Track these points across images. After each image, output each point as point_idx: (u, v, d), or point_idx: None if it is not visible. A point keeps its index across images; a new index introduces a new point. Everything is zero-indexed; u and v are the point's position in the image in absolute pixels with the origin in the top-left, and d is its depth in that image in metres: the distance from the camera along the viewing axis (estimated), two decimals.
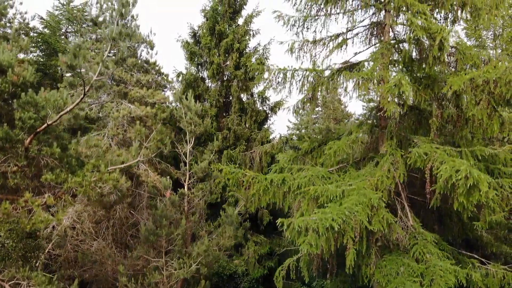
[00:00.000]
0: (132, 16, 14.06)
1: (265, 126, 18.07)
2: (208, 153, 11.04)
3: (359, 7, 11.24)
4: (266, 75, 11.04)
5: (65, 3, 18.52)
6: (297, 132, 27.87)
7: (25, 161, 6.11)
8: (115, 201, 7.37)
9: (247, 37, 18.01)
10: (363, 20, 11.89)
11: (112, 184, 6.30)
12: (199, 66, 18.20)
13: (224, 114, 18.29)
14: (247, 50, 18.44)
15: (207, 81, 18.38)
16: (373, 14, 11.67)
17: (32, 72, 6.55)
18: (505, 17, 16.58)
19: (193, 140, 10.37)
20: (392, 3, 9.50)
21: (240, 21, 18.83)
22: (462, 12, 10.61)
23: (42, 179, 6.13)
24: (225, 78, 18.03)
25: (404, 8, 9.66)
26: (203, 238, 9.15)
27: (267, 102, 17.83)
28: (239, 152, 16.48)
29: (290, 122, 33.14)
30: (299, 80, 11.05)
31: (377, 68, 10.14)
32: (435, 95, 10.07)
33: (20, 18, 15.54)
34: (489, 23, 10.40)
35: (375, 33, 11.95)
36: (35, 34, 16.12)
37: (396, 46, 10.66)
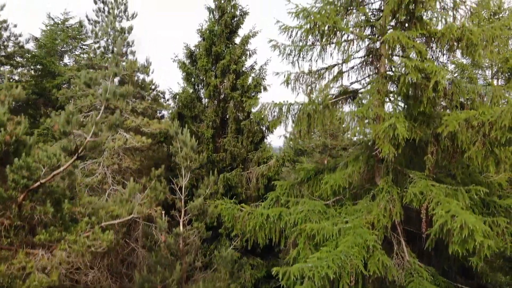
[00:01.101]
0: (128, 43, 14.11)
1: (262, 146, 18.03)
2: (204, 188, 11.01)
3: (355, 39, 11.24)
4: (262, 107, 11.01)
5: (60, 21, 18.45)
6: (293, 144, 27.86)
7: (19, 220, 6.07)
8: (108, 250, 7.34)
9: (243, 58, 17.99)
10: (359, 50, 11.89)
11: (106, 245, 6.26)
12: (196, 86, 18.15)
13: (220, 133, 18.24)
14: (244, 68, 18.40)
15: (203, 100, 18.34)
16: (368, 44, 11.68)
17: (25, 127, 6.49)
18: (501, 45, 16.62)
19: (188, 175, 10.36)
20: (386, 44, 9.49)
21: (237, 40, 18.82)
22: (457, 46, 10.63)
23: (36, 239, 6.09)
24: (221, 97, 18.00)
25: (399, 46, 9.65)
26: (198, 283, 9.13)
27: (263, 122, 17.78)
28: (235, 174, 16.46)
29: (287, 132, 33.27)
30: (295, 114, 11.05)
31: (372, 105, 10.14)
32: (431, 131, 10.09)
33: (14, 41, 15.47)
34: (485, 58, 10.39)
35: (370, 62, 11.98)
36: (29, 55, 16.02)
37: (392, 77, 10.65)
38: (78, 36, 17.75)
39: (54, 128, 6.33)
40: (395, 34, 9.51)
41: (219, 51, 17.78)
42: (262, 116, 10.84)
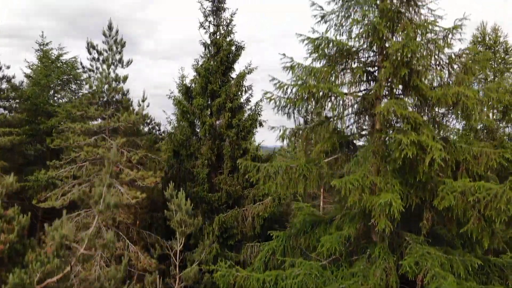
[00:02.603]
0: (124, 92, 13.98)
1: (257, 184, 17.95)
2: (199, 253, 10.94)
3: (350, 98, 11.22)
4: (258, 170, 10.95)
5: (55, 56, 18.32)
6: None
7: None
8: None
9: (239, 94, 17.94)
10: (355, 104, 11.85)
11: None
12: (191, 124, 18.08)
13: (216, 170, 18.17)
14: (240, 103, 18.34)
15: (199, 136, 18.26)
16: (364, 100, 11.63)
17: (19, 233, 6.40)
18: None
19: (183, 239, 10.30)
20: (381, 115, 9.45)
21: (233, 74, 18.79)
22: (453, 108, 10.63)
23: None
24: (217, 134, 17.92)
25: (393, 115, 9.60)
26: None
27: (260, 159, 17.74)
28: (231, 216, 16.41)
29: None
30: (291, 175, 10.99)
31: (368, 171, 10.12)
32: (426, 198, 10.09)
33: (6, 83, 15.34)
34: (481, 123, 10.42)
35: (366, 114, 11.95)
36: (21, 98, 15.87)
37: (388, 144, 10.63)
38: (72, 73, 17.64)
39: (48, 251, 6.25)
40: (390, 104, 9.49)
41: (214, 88, 17.73)
42: (257, 178, 10.76)
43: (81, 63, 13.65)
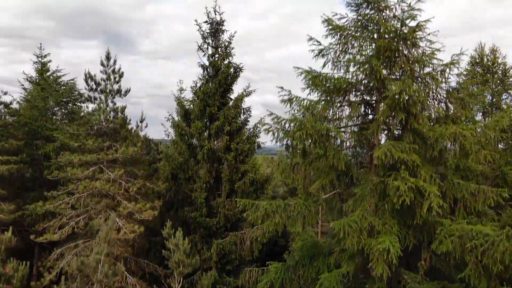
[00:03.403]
0: (123, 120, 13.91)
1: None
2: None
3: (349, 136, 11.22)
4: (256, 208, 10.93)
5: (53, 78, 18.28)
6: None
7: None
8: None
9: (237, 117, 17.91)
10: (352, 140, 11.83)
11: None
12: (190, 146, 18.05)
13: (214, 192, 18.14)
14: (238, 124, 18.31)
15: (197, 158, 18.22)
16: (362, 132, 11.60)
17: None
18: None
19: (181, 279, 10.27)
20: (379, 159, 9.45)
21: (232, 95, 18.80)
22: (451, 146, 10.63)
23: None
24: (216, 157, 17.89)
25: (391, 159, 9.57)
26: None
27: (258, 182, 17.70)
28: (229, 242, 16.39)
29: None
30: (290, 213, 10.98)
31: (366, 211, 10.12)
32: (424, 239, 10.09)
33: (4, 109, 15.30)
34: (478, 162, 10.42)
35: (363, 146, 11.95)
36: (20, 124, 15.83)
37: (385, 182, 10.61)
38: (71, 96, 17.61)
39: None
40: (388, 147, 9.49)
41: (213, 111, 17.72)
42: (256, 217, 10.74)
43: (79, 94, 13.59)
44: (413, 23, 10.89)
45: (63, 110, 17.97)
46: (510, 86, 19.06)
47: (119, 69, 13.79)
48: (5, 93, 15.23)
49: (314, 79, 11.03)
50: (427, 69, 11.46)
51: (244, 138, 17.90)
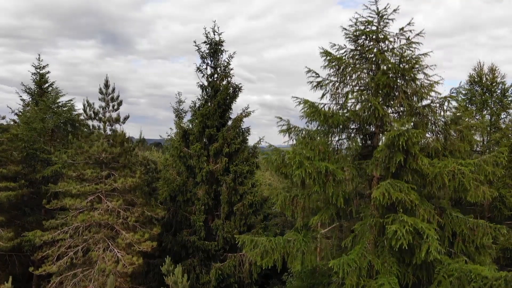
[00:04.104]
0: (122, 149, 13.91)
1: (256, 227, 17.92)
2: None
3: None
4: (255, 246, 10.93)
5: (51, 99, 18.24)
6: None
7: None
8: None
9: (236, 138, 17.90)
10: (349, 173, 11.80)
11: None
12: (189, 167, 18.02)
13: (213, 213, 18.12)
14: (237, 146, 18.29)
15: (196, 180, 18.19)
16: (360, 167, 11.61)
17: None
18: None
19: None
20: (378, 200, 9.43)
21: (231, 114, 18.83)
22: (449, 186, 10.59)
23: None
24: (214, 179, 17.87)
25: (387, 195, 9.54)
26: None
27: (256, 204, 17.69)
28: (227, 266, 16.38)
29: None
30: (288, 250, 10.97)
31: (365, 248, 10.11)
32: (423, 277, 10.09)
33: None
34: (477, 199, 10.42)
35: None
36: (17, 150, 15.78)
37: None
38: (69, 117, 17.57)
39: None
40: (386, 187, 9.47)
41: (212, 133, 17.71)
42: (255, 254, 10.73)
43: (77, 122, 13.56)
44: (411, 54, 10.94)
45: (62, 131, 17.90)
46: (509, 105, 19.08)
47: (118, 96, 13.78)
48: (3, 118, 15.19)
49: (312, 115, 11.03)
50: (425, 101, 11.52)
51: (242, 159, 17.89)
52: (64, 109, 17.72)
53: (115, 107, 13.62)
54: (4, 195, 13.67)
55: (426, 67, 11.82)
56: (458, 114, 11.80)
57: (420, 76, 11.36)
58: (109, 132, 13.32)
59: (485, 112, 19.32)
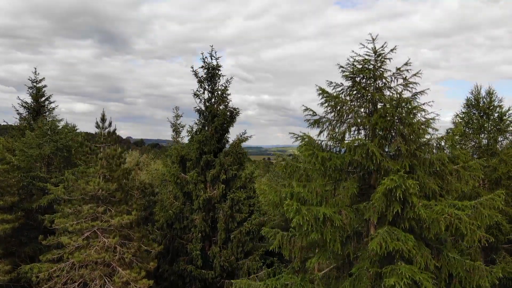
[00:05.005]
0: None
1: (253, 255, 17.87)
2: None
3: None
4: None
5: (48, 123, 18.16)
6: None
7: None
8: None
9: (233, 165, 17.85)
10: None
11: None
12: (185, 194, 17.97)
13: (210, 239, 18.07)
14: (234, 172, 18.24)
15: (192, 207, 18.11)
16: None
17: None
18: None
19: None
20: (375, 249, 9.42)
21: (229, 138, 18.83)
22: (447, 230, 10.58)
23: None
24: (211, 205, 17.80)
25: (384, 245, 9.52)
26: None
27: (253, 233, 17.63)
28: None
29: None
30: None
31: None
32: None
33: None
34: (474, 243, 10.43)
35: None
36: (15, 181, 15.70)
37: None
38: (67, 144, 17.49)
39: None
40: (383, 235, 9.47)
41: (209, 159, 17.67)
42: None
43: (75, 149, 13.52)
44: (409, 100, 10.96)
45: (59, 157, 17.82)
46: (506, 129, 19.08)
47: (114, 130, 13.73)
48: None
49: (310, 157, 11.00)
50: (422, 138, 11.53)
51: (240, 185, 17.84)
52: (61, 136, 17.61)
53: (112, 142, 13.54)
54: (0, 229, 13.61)
55: (424, 104, 11.91)
56: (456, 153, 11.81)
57: (418, 115, 11.39)
58: (105, 167, 13.20)
59: (482, 135, 19.34)
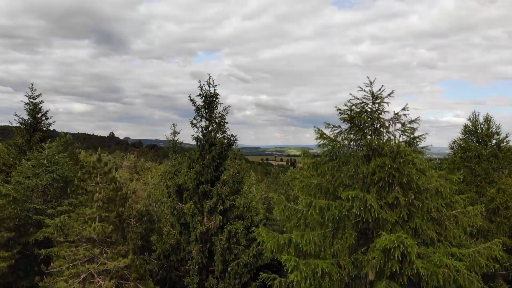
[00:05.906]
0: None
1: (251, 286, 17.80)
2: None
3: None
4: None
5: (44, 155, 18.03)
6: None
7: None
8: None
9: (230, 195, 17.74)
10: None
11: None
12: (182, 224, 17.86)
13: (208, 270, 17.95)
14: (231, 202, 18.10)
15: (190, 237, 17.99)
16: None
17: None
18: None
19: None
20: None
21: (227, 164, 18.71)
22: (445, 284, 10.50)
23: None
24: (209, 236, 17.68)
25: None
26: None
27: (251, 265, 17.51)
28: None
29: None
30: None
31: None
32: None
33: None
34: None
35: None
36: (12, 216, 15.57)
37: None
38: (63, 174, 17.37)
39: None
40: None
41: (206, 189, 17.58)
42: None
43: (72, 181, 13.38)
44: (407, 152, 10.89)
45: (55, 188, 17.68)
46: (504, 157, 19.03)
47: (110, 168, 13.59)
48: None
49: (308, 207, 10.94)
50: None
51: (237, 215, 17.74)
52: (57, 166, 17.48)
53: (108, 182, 13.44)
54: None
55: (423, 148, 11.90)
56: (454, 199, 11.78)
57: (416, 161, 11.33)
58: (102, 207, 13.09)
59: (479, 165, 19.19)
